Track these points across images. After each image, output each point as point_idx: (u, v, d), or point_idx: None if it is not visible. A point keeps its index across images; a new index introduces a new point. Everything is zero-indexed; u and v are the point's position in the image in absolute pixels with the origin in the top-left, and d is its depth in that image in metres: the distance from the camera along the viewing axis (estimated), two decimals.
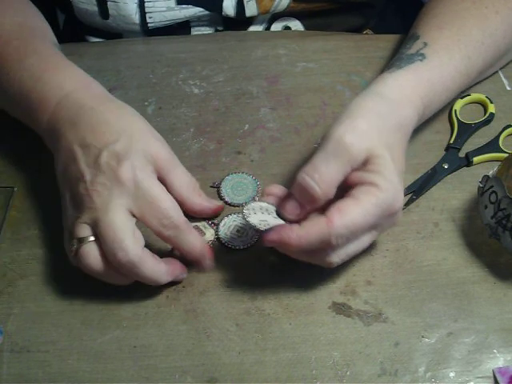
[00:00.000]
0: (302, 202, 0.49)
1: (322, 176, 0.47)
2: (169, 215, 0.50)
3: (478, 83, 0.67)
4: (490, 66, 0.64)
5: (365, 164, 0.48)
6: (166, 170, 0.53)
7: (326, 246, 0.47)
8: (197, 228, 0.57)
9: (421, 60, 0.57)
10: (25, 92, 0.56)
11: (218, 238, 0.57)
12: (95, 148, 0.50)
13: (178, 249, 0.52)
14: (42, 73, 0.56)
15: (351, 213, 0.46)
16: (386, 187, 0.47)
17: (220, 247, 0.56)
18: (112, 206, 0.49)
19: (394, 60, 0.59)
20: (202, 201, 0.55)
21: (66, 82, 0.56)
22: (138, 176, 0.50)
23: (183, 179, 0.54)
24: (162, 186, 0.51)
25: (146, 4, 0.71)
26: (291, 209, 0.49)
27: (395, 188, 0.48)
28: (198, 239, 0.52)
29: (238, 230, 0.57)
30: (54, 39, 0.64)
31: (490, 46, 0.61)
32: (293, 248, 0.48)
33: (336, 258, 0.49)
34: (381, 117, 0.51)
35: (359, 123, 0.49)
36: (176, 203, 0.51)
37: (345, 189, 0.49)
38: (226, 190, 0.60)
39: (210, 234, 0.57)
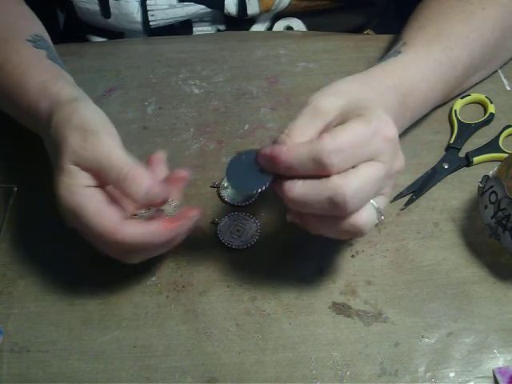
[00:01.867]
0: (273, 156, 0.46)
1: (291, 131, 0.46)
2: (95, 233, 0.48)
3: (477, 83, 0.67)
4: (483, 63, 0.64)
5: (345, 115, 0.46)
6: (95, 170, 0.49)
7: (319, 167, 0.44)
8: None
9: (395, 56, 0.58)
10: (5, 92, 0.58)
11: (218, 238, 0.57)
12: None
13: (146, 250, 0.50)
14: (15, 78, 0.57)
15: (341, 132, 0.44)
16: (370, 114, 0.45)
17: (220, 247, 0.56)
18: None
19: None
20: (134, 195, 0.49)
21: (31, 91, 0.55)
22: (60, 201, 0.49)
23: (112, 175, 0.49)
24: (91, 198, 0.48)
25: (148, 2, 0.71)
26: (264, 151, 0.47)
27: (382, 116, 0.46)
28: (139, 231, 0.48)
29: (238, 230, 0.57)
30: (34, 29, 0.63)
31: (475, 40, 0.61)
32: (282, 163, 0.45)
33: (347, 188, 0.44)
34: (350, 86, 0.51)
35: (327, 89, 0.49)
36: (105, 214, 0.48)
37: None
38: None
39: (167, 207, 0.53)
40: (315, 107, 0.47)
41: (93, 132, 0.49)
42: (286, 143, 0.46)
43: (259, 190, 0.47)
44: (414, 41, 0.59)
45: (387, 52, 0.61)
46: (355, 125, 0.45)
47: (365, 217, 0.46)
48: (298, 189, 0.45)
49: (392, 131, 0.46)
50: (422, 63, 0.58)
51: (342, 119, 0.46)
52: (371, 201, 0.46)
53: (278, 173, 0.46)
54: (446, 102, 0.65)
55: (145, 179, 0.48)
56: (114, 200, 0.49)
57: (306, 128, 0.46)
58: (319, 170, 0.44)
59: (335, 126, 0.46)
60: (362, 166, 0.45)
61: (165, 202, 0.50)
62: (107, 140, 0.49)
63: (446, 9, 0.62)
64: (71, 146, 0.49)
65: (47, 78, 0.56)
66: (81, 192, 0.48)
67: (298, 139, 0.46)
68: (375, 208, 0.47)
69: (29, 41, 0.59)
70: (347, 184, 0.44)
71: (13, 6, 0.65)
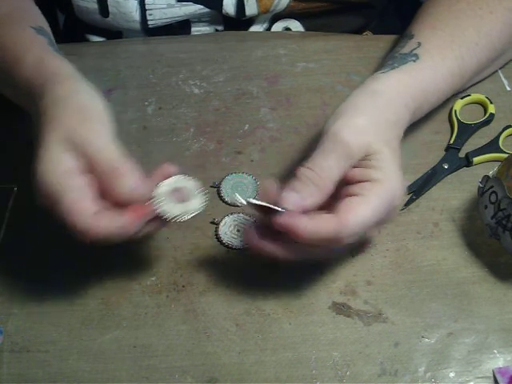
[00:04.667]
0: (302, 196, 0.47)
1: (322, 171, 0.47)
2: (69, 222, 0.46)
3: (477, 83, 0.67)
4: (486, 67, 0.64)
5: (364, 160, 0.48)
6: (82, 153, 0.48)
7: (335, 243, 0.47)
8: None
9: (414, 61, 0.58)
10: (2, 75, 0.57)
11: (218, 238, 0.57)
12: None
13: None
14: (11, 60, 0.56)
15: (362, 211, 0.46)
16: (389, 182, 0.48)
17: (220, 247, 0.56)
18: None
19: (387, 59, 0.60)
20: (118, 188, 0.48)
21: (25, 70, 0.54)
22: (39, 186, 0.47)
23: (100, 162, 0.48)
24: (70, 183, 0.47)
25: (147, 1, 0.71)
26: (294, 200, 0.47)
27: (397, 182, 0.48)
28: (111, 225, 0.47)
29: (238, 230, 0.57)
30: (39, 22, 0.63)
31: (484, 47, 0.61)
32: (301, 240, 0.46)
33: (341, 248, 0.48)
34: (376, 113, 0.51)
35: (355, 119, 0.49)
36: (80, 205, 0.47)
37: (341, 187, 0.49)
38: (226, 190, 0.60)
39: (195, 203, 0.50)
40: (348, 148, 0.48)
41: (89, 118, 0.49)
42: (317, 184, 0.47)
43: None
44: (428, 44, 0.59)
45: (397, 46, 0.61)
46: (375, 202, 0.47)
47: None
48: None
49: (401, 196, 0.49)
50: (438, 73, 0.58)
51: (363, 163, 0.48)
52: None
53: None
54: None
55: (132, 178, 0.47)
56: (93, 183, 0.48)
57: (336, 170, 0.48)
58: (335, 244, 0.47)
59: (356, 167, 0.48)
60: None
61: (148, 200, 0.48)
62: (102, 130, 0.48)
63: (457, 12, 0.62)
64: (65, 126, 0.48)
65: (45, 55, 0.55)
66: (62, 176, 0.47)
67: (329, 181, 0.47)
68: None
69: (32, 27, 0.59)
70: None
71: (21, 1, 0.65)
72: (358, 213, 0.46)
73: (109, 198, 0.48)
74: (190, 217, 0.49)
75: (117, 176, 0.47)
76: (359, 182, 0.48)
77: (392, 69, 0.56)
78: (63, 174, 0.47)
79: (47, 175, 0.47)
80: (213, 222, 0.58)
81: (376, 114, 0.51)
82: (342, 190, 0.49)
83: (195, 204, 0.49)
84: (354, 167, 0.49)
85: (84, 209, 0.46)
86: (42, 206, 0.48)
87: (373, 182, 0.47)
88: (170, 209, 0.48)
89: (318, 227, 0.46)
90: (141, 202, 0.48)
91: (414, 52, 0.58)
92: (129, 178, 0.47)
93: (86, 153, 0.47)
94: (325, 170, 0.47)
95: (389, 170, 0.48)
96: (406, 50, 0.59)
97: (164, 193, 0.49)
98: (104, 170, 0.47)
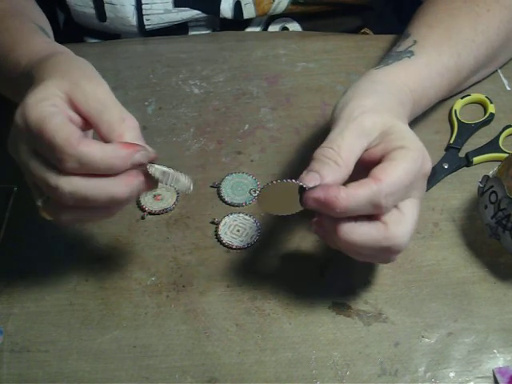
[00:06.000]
0: (322, 174, 0.45)
1: (339, 148, 0.46)
2: (55, 143, 0.43)
3: (477, 83, 0.67)
4: (485, 64, 0.64)
5: (383, 137, 0.47)
6: (82, 105, 0.46)
7: (374, 208, 0.44)
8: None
9: (409, 57, 0.58)
10: None
11: (218, 238, 0.57)
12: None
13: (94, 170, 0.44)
14: (5, 51, 0.55)
15: (395, 171, 0.44)
16: (414, 146, 0.46)
17: (220, 247, 0.56)
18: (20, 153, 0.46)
19: (383, 58, 0.59)
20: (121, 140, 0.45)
21: (22, 58, 0.53)
22: (26, 113, 0.44)
23: (102, 115, 0.46)
24: (58, 115, 0.44)
25: (144, 6, 0.71)
26: (312, 178, 0.45)
27: (421, 147, 0.47)
28: (108, 149, 0.44)
29: (238, 230, 0.57)
30: (39, 19, 0.63)
31: (482, 44, 0.61)
32: (339, 209, 0.43)
33: (395, 255, 0.47)
34: (381, 95, 0.51)
35: (364, 101, 0.49)
36: (69, 128, 0.44)
37: (363, 170, 0.47)
38: (226, 190, 0.60)
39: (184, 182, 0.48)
40: (361, 125, 0.47)
41: (93, 76, 0.48)
42: (336, 161, 0.45)
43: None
44: (424, 41, 0.59)
45: (394, 46, 0.61)
46: (406, 164, 0.45)
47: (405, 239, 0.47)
48: (356, 236, 0.45)
49: (429, 167, 0.47)
50: (434, 69, 0.58)
51: (381, 139, 0.47)
52: None
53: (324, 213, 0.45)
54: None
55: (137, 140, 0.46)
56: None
57: (355, 147, 0.46)
58: (373, 212, 0.45)
59: (375, 146, 0.47)
60: (406, 208, 0.46)
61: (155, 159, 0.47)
62: (105, 86, 0.48)
63: (454, 10, 0.62)
64: (74, 76, 0.46)
65: (46, 40, 0.56)
66: (50, 105, 0.44)
67: (348, 158, 0.46)
68: None
69: (34, 23, 0.60)
70: (403, 234, 0.45)
71: (24, 1, 0.65)
72: (391, 173, 0.44)
73: None
74: (178, 186, 0.47)
75: (127, 126, 0.46)
76: (383, 156, 0.46)
77: (386, 65, 0.56)
78: (51, 105, 0.45)
79: (33, 107, 0.44)
80: (213, 222, 0.58)
81: (381, 96, 0.50)
82: (358, 174, 0.47)
83: (184, 182, 0.48)
84: (374, 148, 0.47)
85: (72, 130, 0.44)
86: (10, 152, 0.47)
87: (398, 149, 0.46)
88: (162, 176, 0.47)
89: (354, 191, 0.43)
90: (142, 160, 0.45)
91: (410, 49, 0.58)
92: (133, 135, 0.46)
93: (92, 100, 0.46)
94: (342, 147, 0.46)
95: (410, 137, 0.47)
96: (401, 48, 0.59)
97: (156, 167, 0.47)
98: (113, 119, 0.45)
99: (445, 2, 0.63)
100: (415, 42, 0.59)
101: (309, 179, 0.45)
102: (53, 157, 0.44)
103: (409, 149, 0.46)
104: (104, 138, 0.46)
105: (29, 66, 0.51)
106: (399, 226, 0.45)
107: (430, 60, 0.58)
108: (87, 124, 0.46)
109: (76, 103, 0.46)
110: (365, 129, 0.47)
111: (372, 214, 0.45)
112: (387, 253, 0.47)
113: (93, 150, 0.43)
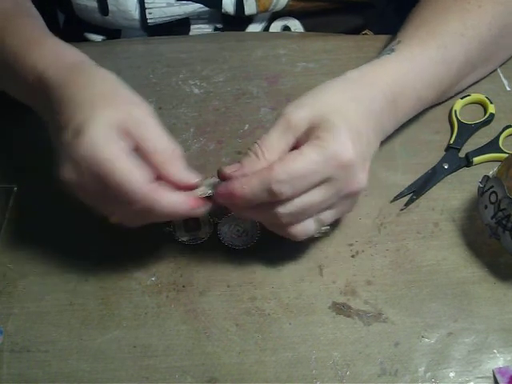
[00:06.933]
0: (242, 164, 0.49)
1: (263, 142, 0.49)
2: (126, 191, 0.46)
3: (477, 83, 0.67)
4: (480, 61, 0.63)
5: (310, 131, 0.49)
6: (137, 135, 0.48)
7: (270, 197, 0.47)
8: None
9: (389, 53, 0.58)
10: (8, 70, 0.56)
11: (218, 238, 0.57)
12: (62, 129, 0.48)
13: (160, 217, 0.49)
14: (18, 53, 0.55)
15: (292, 160, 0.47)
16: (328, 137, 0.47)
17: (220, 247, 0.56)
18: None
19: None
20: (176, 170, 0.49)
21: (38, 62, 0.53)
22: (95, 150, 0.46)
23: (157, 144, 0.49)
24: (124, 155, 0.47)
25: (146, 0, 0.71)
26: (234, 167, 0.49)
27: (340, 139, 0.48)
28: (173, 198, 0.48)
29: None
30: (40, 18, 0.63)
31: (472, 38, 0.60)
32: (238, 199, 0.47)
33: (284, 209, 0.48)
34: (329, 91, 0.52)
35: (301, 98, 0.51)
36: (138, 173, 0.46)
37: None
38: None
39: (202, 188, 0.51)
40: (287, 120, 0.49)
41: (139, 102, 0.50)
42: (256, 153, 0.48)
43: None
44: (408, 40, 0.60)
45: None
46: (308, 152, 0.47)
47: (299, 229, 0.50)
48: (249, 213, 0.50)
49: (347, 155, 0.48)
50: (417, 62, 0.58)
51: (309, 133, 0.48)
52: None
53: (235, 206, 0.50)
54: (443, 100, 0.65)
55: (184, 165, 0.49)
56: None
57: (278, 142, 0.49)
58: (271, 199, 0.47)
59: (304, 139, 0.48)
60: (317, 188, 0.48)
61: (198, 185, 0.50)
62: (152, 115, 0.49)
63: (442, 9, 0.62)
64: (127, 104, 0.48)
65: (59, 41, 0.56)
66: (112, 146, 0.46)
67: (270, 153, 0.48)
68: (315, 221, 0.50)
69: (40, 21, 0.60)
70: (288, 208, 0.48)
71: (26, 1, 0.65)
72: (287, 161, 0.47)
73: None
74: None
75: (174, 161, 0.48)
76: None
77: (364, 64, 0.57)
78: (112, 145, 0.46)
79: (91, 150, 0.46)
80: (214, 222, 0.58)
81: (328, 91, 0.52)
82: None
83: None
84: (303, 141, 0.49)
85: (142, 175, 0.46)
86: (71, 192, 0.48)
87: (313, 140, 0.48)
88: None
89: (247, 180, 0.47)
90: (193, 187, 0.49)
91: (392, 47, 0.59)
92: (183, 164, 0.49)
93: (140, 135, 0.48)
94: (264, 141, 0.49)
95: (334, 132, 0.48)
96: (385, 49, 0.59)
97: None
98: (160, 154, 0.48)
99: (435, 2, 0.63)
100: (399, 41, 0.59)
101: (229, 167, 0.49)
102: (119, 196, 0.46)
103: (320, 139, 0.47)
104: (155, 166, 0.48)
105: (47, 74, 0.52)
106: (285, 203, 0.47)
107: (413, 55, 0.58)
108: (137, 151, 0.48)
109: (130, 133, 0.48)
110: (290, 124, 0.49)
111: (272, 201, 0.47)
112: (277, 221, 0.49)
113: (161, 200, 0.47)
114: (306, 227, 0.50)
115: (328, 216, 0.51)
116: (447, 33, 0.60)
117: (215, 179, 0.51)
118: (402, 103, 0.57)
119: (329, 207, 0.50)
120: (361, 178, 0.49)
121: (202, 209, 0.49)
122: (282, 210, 0.48)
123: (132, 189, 0.46)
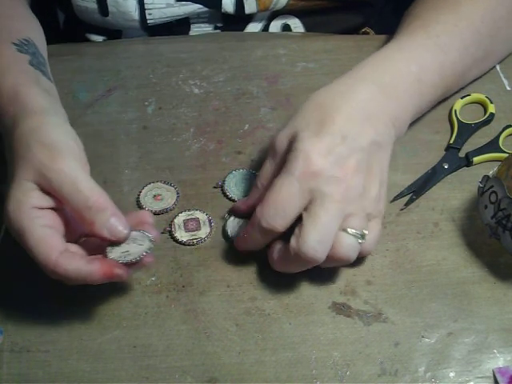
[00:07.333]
0: (250, 200, 0.55)
1: (261, 173, 0.54)
2: (38, 262, 0.47)
3: (477, 83, 0.67)
4: (477, 51, 0.62)
5: (287, 152, 0.51)
6: (56, 194, 0.48)
7: (267, 233, 0.50)
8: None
9: (378, 50, 0.58)
10: None
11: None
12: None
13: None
14: None
15: (269, 193, 0.50)
16: (293, 156, 0.49)
17: (220, 247, 0.56)
18: None
19: None
20: (98, 226, 0.48)
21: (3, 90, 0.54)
22: (10, 220, 0.47)
23: (74, 199, 0.47)
24: (34, 226, 0.47)
25: (146, 0, 0.71)
26: (242, 201, 0.56)
27: (302, 152, 0.49)
28: (83, 269, 0.47)
29: (240, 227, 0.57)
30: (26, 31, 0.62)
31: (466, 28, 0.60)
32: (249, 245, 0.53)
33: (305, 240, 0.48)
34: (332, 93, 0.55)
35: (291, 119, 0.53)
36: (46, 244, 0.47)
37: None
38: (231, 188, 0.60)
39: (117, 250, 0.49)
40: (272, 144, 0.53)
41: (60, 153, 0.48)
42: (257, 185, 0.54)
43: None
44: (399, 35, 0.60)
45: None
46: (276, 182, 0.50)
47: (343, 249, 0.49)
48: (276, 260, 0.52)
49: (314, 165, 0.49)
50: (406, 51, 0.58)
51: (289, 149, 0.51)
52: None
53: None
54: (447, 96, 0.64)
55: (111, 211, 0.48)
56: (65, 221, 0.49)
57: (270, 167, 0.53)
58: (271, 236, 0.51)
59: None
60: (312, 210, 0.48)
61: (126, 238, 0.48)
62: (74, 164, 0.48)
63: (435, 5, 0.62)
64: (36, 162, 0.48)
65: (21, 82, 0.55)
66: (29, 214, 0.47)
67: (264, 179, 0.53)
68: (349, 234, 0.49)
69: (14, 44, 0.59)
70: (305, 241, 0.48)
71: (7, 8, 0.64)
72: (265, 198, 0.50)
73: (79, 230, 0.50)
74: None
75: (96, 210, 0.47)
76: None
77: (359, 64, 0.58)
78: (30, 211, 0.47)
79: (14, 213, 0.47)
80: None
81: (308, 109, 0.53)
82: None
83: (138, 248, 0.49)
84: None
85: (49, 247, 0.47)
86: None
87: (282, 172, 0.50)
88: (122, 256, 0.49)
89: (246, 228, 0.53)
90: (121, 236, 0.48)
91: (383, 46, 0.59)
92: (108, 212, 0.48)
93: (60, 189, 0.47)
94: (261, 172, 0.54)
95: (297, 146, 0.50)
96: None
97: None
98: (81, 207, 0.47)
99: (428, 1, 0.63)
100: (390, 40, 0.60)
101: (240, 203, 0.57)
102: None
103: (288, 160, 0.50)
104: (78, 221, 0.49)
105: (8, 115, 0.53)
106: (298, 237, 0.48)
107: (402, 46, 0.58)
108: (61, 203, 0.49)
109: (50, 192, 0.48)
110: (274, 146, 0.52)
111: (273, 237, 0.51)
112: (308, 263, 0.49)
113: (68, 271, 0.47)
114: (346, 244, 0.49)
115: (354, 222, 0.49)
116: (438, 24, 0.60)
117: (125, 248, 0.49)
118: (390, 91, 0.56)
119: (346, 215, 0.49)
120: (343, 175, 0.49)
121: (120, 273, 0.48)
122: (307, 245, 0.48)
123: (40, 261, 0.47)
